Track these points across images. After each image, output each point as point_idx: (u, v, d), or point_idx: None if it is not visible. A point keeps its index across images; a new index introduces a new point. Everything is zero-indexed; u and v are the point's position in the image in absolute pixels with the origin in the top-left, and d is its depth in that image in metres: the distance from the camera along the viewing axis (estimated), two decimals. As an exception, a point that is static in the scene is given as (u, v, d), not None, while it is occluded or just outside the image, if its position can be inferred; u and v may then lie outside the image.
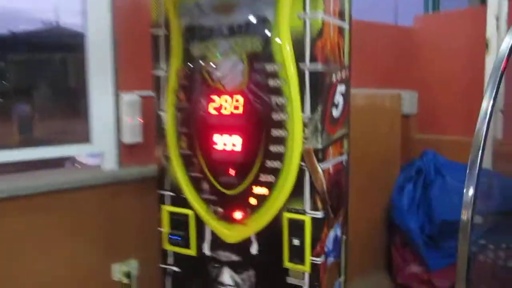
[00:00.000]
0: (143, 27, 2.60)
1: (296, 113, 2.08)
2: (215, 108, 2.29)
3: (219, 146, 2.30)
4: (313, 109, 2.06)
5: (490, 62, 3.66)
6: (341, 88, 2.24)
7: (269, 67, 2.12)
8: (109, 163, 2.98)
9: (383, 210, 3.84)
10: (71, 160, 5.40)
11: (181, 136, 2.40)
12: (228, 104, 2.25)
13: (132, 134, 2.98)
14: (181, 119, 2.39)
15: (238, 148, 2.24)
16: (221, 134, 2.28)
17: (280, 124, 2.12)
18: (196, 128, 2.36)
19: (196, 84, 2.33)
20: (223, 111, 2.27)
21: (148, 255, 2.88)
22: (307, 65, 2.05)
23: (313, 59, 2.03)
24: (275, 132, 2.14)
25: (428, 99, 4.16)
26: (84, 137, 2.98)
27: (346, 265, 2.42)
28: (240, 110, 2.22)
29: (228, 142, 2.27)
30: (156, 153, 2.50)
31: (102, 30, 2.92)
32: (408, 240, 3.68)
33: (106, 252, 2.90)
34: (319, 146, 2.07)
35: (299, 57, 2.06)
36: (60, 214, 2.73)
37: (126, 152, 3.01)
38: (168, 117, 2.43)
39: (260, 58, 2.14)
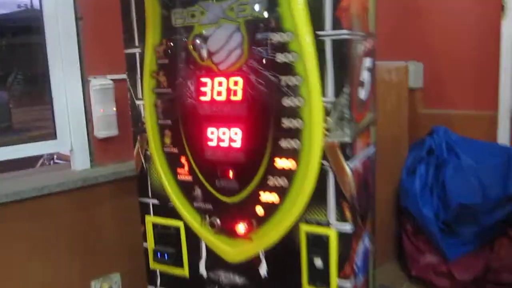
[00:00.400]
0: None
1: (314, 97, 1.50)
2: (207, 94, 1.68)
3: (213, 142, 1.71)
4: (337, 91, 1.47)
5: (508, 28, 3.10)
6: (367, 62, 1.65)
7: (276, 37, 1.53)
8: (80, 162, 2.37)
9: (392, 194, 3.30)
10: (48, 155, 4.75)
11: (164, 129, 1.81)
12: (223, 88, 1.65)
13: (105, 127, 2.37)
14: (163, 109, 1.79)
15: (238, 144, 1.66)
16: (216, 127, 1.69)
17: (293, 112, 1.54)
18: (183, 120, 1.76)
19: (180, 63, 1.72)
20: (217, 97, 1.67)
21: (133, 268, 2.32)
22: (329, 32, 1.45)
23: (336, 24, 1.44)
24: (287, 123, 1.56)
25: (434, 71, 3.59)
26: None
27: (375, 280, 1.88)
28: (239, 96, 1.63)
29: (225, 137, 1.68)
30: (134, 152, 1.90)
31: (62, 3, 2.27)
32: (422, 227, 3.17)
33: (84, 267, 2.32)
34: (347, 139, 1.49)
35: (316, 22, 1.47)
36: (26, 226, 2.14)
37: (100, 148, 2.40)
38: (146, 106, 1.82)
39: (264, 25, 1.55)
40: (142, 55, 1.80)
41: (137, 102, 1.85)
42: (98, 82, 2.33)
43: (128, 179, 2.30)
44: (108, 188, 2.32)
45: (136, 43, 1.81)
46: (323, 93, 1.49)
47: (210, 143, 1.71)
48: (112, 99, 2.37)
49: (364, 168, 1.66)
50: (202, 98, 1.70)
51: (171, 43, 1.72)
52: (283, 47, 1.52)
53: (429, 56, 3.64)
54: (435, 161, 3.24)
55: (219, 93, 1.66)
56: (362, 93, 1.61)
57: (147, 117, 1.83)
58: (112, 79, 2.36)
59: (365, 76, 1.63)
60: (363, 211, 1.66)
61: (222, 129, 1.68)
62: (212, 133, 1.70)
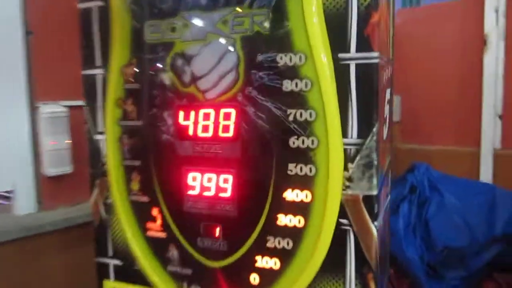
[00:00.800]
0: (70, 5, 1.52)
1: (332, 137, 1.10)
2: (189, 129, 1.25)
3: (195, 191, 1.27)
4: (364, 130, 1.08)
5: (490, 62, 2.85)
6: (387, 93, 1.28)
7: (284, 60, 1.12)
8: (24, 206, 1.85)
9: (373, 235, 2.93)
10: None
11: (131, 172, 1.35)
12: (210, 121, 1.23)
13: (56, 162, 1.87)
14: (130, 146, 1.34)
15: (229, 193, 1.23)
16: (200, 171, 1.26)
17: (303, 156, 1.14)
18: (156, 161, 1.31)
19: (154, 89, 1.29)
20: (202, 134, 1.24)
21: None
22: (355, 55, 1.06)
23: (364, 44, 1.06)
24: (294, 169, 1.15)
25: (412, 104, 3.32)
26: None
27: None
28: (230, 132, 1.21)
29: (210, 184, 1.25)
30: (91, 201, 1.42)
31: (7, 13, 1.79)
32: (406, 270, 2.81)
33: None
34: (374, 192, 1.09)
35: (338, 41, 1.08)
36: None
37: (49, 188, 1.89)
38: (109, 142, 1.37)
39: (267, 44, 1.14)
40: (104, 78, 1.35)
41: (97, 136, 1.39)
42: (49, 109, 1.84)
43: (83, 226, 1.81)
44: (58, 238, 1.81)
45: (98, 63, 1.36)
46: (345, 133, 1.09)
47: (191, 192, 1.27)
48: (65, 130, 1.89)
49: (384, 225, 1.27)
50: (182, 134, 1.26)
51: (144, 64, 1.28)
52: (292, 72, 1.12)
53: (406, 89, 3.37)
54: (417, 199, 2.93)
55: (205, 129, 1.23)
56: (385, 132, 1.23)
57: (109, 156, 1.37)
58: (66, 106, 1.88)
59: (386, 111, 1.26)
60: (383, 276, 1.26)
61: (207, 175, 1.24)
62: (194, 179, 1.26)
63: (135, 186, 1.34)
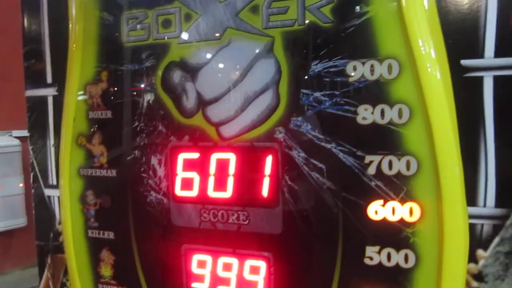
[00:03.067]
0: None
1: (449, 204, 0.62)
2: (192, 185, 0.75)
3: (203, 284, 0.76)
4: (508, 195, 0.60)
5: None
6: None
7: (359, 71, 0.64)
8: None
9: None
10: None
11: (99, 250, 0.84)
12: (229, 174, 0.73)
13: (6, 214, 1.35)
14: (98, 210, 0.83)
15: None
16: (211, 254, 0.75)
17: (393, 234, 0.64)
18: (138, 234, 0.80)
19: (136, 119, 0.79)
20: (215, 194, 0.74)
21: None
22: (493, 62, 0.59)
23: (510, 44, 0.58)
24: (376, 255, 0.66)
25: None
26: None
27: None
28: (264, 191, 0.71)
29: (230, 275, 0.74)
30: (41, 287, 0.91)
31: None
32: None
33: None
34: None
35: (460, 40, 0.60)
36: None
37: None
38: (65, 201, 0.86)
39: (329, 44, 0.65)
40: (59, 102, 0.86)
41: (48, 192, 0.88)
42: (-6, 143, 1.33)
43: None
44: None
45: (48, 79, 0.86)
46: (472, 198, 0.61)
47: (196, 286, 0.77)
48: (17, 169, 1.37)
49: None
50: (182, 194, 0.76)
51: (120, 80, 0.79)
52: (375, 93, 0.64)
53: None
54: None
55: (219, 185, 0.73)
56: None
57: (65, 225, 0.86)
58: (18, 137, 1.37)
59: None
60: None
61: (223, 259, 0.75)
62: (200, 265, 0.76)
63: (107, 271, 0.84)
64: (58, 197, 0.88)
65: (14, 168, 1.40)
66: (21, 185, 1.39)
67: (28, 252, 1.42)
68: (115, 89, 0.80)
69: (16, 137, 1.40)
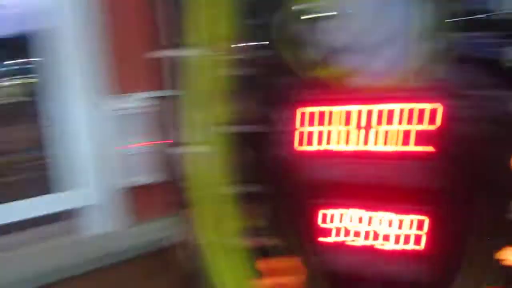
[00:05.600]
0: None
1: None
2: (350, 137, 0.72)
3: (359, 239, 0.74)
4: None
5: None
6: None
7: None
8: (100, 224, 1.43)
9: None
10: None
11: (247, 203, 0.85)
12: (381, 126, 0.68)
13: (143, 168, 1.44)
14: (241, 163, 0.84)
15: (422, 246, 0.68)
16: (363, 207, 0.72)
17: None
18: (284, 189, 0.80)
19: (281, 74, 0.76)
20: (366, 147, 0.70)
21: None
22: None
23: None
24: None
25: None
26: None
27: None
28: (430, 141, 0.65)
29: (384, 229, 0.71)
30: (177, 251, 0.96)
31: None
32: None
33: None
34: None
35: None
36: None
37: (135, 200, 1.46)
38: (206, 155, 0.87)
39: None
40: (197, 61, 0.85)
41: (185, 149, 0.91)
42: (130, 103, 1.41)
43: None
44: (147, 262, 1.39)
45: (186, 39, 0.86)
46: None
47: (328, 239, 0.75)
48: (155, 128, 1.44)
49: None
50: (333, 148, 0.73)
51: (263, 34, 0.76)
52: None
53: None
54: None
55: (375, 137, 0.69)
56: None
57: (205, 177, 0.88)
58: (155, 97, 1.42)
59: None
60: None
61: (377, 215, 0.71)
62: (342, 219, 0.74)
63: (251, 224, 0.85)
64: (198, 153, 0.90)
65: (151, 127, 1.48)
66: (162, 142, 1.46)
67: (167, 204, 1.50)
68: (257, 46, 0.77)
69: (153, 97, 1.46)
